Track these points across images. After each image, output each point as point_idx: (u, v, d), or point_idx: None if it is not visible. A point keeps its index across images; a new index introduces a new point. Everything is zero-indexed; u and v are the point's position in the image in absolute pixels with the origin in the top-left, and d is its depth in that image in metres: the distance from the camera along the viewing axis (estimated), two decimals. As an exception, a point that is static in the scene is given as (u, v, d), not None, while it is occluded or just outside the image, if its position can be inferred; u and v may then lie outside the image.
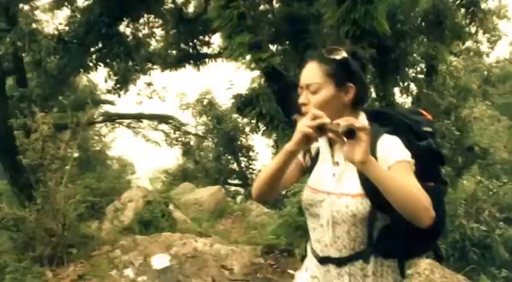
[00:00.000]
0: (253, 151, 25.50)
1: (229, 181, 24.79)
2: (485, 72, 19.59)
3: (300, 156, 2.85)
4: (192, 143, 27.44)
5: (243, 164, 25.61)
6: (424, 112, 2.91)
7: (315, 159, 2.81)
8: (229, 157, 25.71)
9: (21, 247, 8.06)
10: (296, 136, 2.44)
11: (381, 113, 2.84)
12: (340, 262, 2.71)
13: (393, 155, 2.51)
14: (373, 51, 11.43)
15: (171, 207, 10.13)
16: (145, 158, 28.89)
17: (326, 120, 2.39)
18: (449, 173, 15.77)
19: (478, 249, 11.70)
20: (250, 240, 9.29)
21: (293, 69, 13.36)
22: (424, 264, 7.54)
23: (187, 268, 7.87)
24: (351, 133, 2.24)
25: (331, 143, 2.74)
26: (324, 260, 2.77)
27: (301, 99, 2.70)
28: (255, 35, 11.86)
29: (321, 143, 2.80)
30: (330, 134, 2.46)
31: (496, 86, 23.26)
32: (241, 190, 22.11)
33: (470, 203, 13.11)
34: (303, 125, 2.42)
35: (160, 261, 7.96)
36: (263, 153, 25.11)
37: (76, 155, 9.60)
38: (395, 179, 2.32)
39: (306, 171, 2.89)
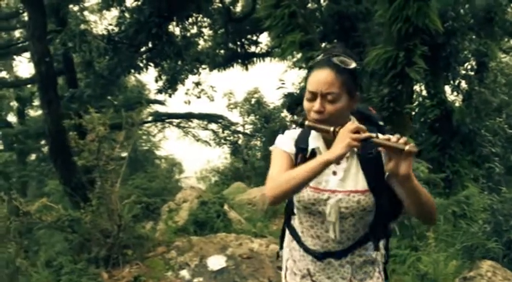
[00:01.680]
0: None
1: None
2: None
3: (293, 156, 2.87)
4: (240, 142, 27.38)
5: (290, 162, 25.45)
6: (372, 109, 3.09)
7: (308, 160, 2.70)
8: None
9: (77, 248, 8.10)
10: (342, 150, 2.42)
11: (361, 113, 2.96)
12: (342, 254, 2.90)
13: None
14: (426, 48, 11.28)
15: (225, 207, 10.07)
16: (193, 157, 28.92)
17: (372, 134, 2.44)
18: (500, 171, 15.59)
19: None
20: (306, 239, 9.19)
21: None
22: (486, 266, 7.40)
23: (243, 269, 7.81)
24: (418, 154, 2.40)
25: (327, 143, 2.76)
26: (325, 255, 2.92)
27: (316, 107, 2.66)
28: (305, 34, 11.76)
29: (317, 144, 2.82)
30: (381, 148, 2.51)
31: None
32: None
33: (526, 202, 12.88)
34: (350, 139, 2.41)
35: (216, 262, 7.92)
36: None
37: (125, 154, 9.56)
38: (423, 191, 2.54)
39: None
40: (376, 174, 2.76)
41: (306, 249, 2.97)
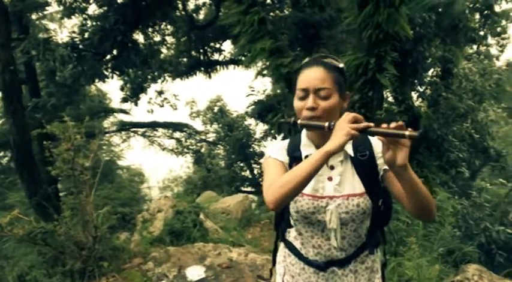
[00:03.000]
0: (265, 158, 25.25)
1: (242, 189, 24.60)
2: (496, 76, 19.44)
3: (287, 166, 2.84)
4: (203, 150, 27.28)
5: (255, 171, 25.43)
6: None
7: None
8: (242, 164, 25.53)
9: (51, 262, 7.90)
10: (342, 139, 2.39)
11: None
12: (345, 262, 2.90)
13: None
14: (396, 55, 11.32)
15: (201, 216, 9.95)
16: (155, 167, 28.78)
17: (370, 123, 2.42)
18: (465, 175, 15.79)
19: (504, 252, 11.70)
20: (283, 249, 9.12)
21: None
22: (472, 270, 7.40)
23: (223, 279, 7.70)
24: (421, 136, 2.34)
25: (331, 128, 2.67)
26: (328, 264, 2.90)
27: (310, 103, 2.68)
28: (275, 41, 11.71)
29: (310, 151, 2.82)
30: (378, 137, 2.45)
31: (506, 89, 23.24)
32: (255, 197, 21.94)
33: (494, 206, 13.08)
34: (349, 128, 2.39)
35: (195, 272, 7.78)
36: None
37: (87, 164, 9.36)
38: (421, 183, 2.50)
39: None
40: (371, 176, 2.80)
41: (308, 262, 2.94)
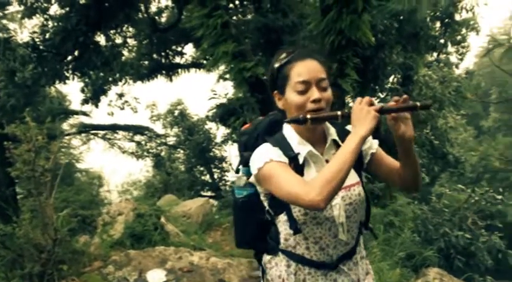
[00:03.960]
0: (226, 162, 25.27)
1: (202, 193, 24.53)
2: (456, 83, 19.71)
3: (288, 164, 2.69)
4: (163, 154, 27.16)
5: (215, 176, 25.40)
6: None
7: (301, 167, 2.69)
8: (202, 169, 25.49)
9: (9, 265, 7.75)
10: (373, 121, 2.44)
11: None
12: (350, 255, 2.86)
13: (371, 137, 2.85)
14: (358, 60, 11.41)
15: (162, 219, 9.88)
16: (114, 170, 28.53)
17: (381, 104, 2.53)
18: (425, 180, 15.97)
19: (463, 257, 11.81)
20: (245, 252, 9.07)
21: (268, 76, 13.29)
22: (433, 274, 7.47)
23: (184, 283, 7.65)
24: (429, 107, 2.62)
25: (314, 145, 2.75)
26: (337, 262, 2.83)
27: (316, 95, 2.63)
28: (238, 44, 11.71)
29: (307, 148, 2.75)
30: (393, 113, 2.55)
31: (465, 97, 23.55)
32: (214, 202, 21.90)
33: (453, 211, 13.22)
34: (373, 111, 2.46)
35: (156, 276, 7.72)
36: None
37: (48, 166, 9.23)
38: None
39: None
40: (359, 164, 2.80)
41: (318, 265, 2.83)
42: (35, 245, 7.59)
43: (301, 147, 2.73)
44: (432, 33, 17.33)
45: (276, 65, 2.76)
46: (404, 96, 2.47)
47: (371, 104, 2.49)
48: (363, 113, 2.44)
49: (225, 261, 8.29)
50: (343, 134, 2.75)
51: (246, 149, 2.92)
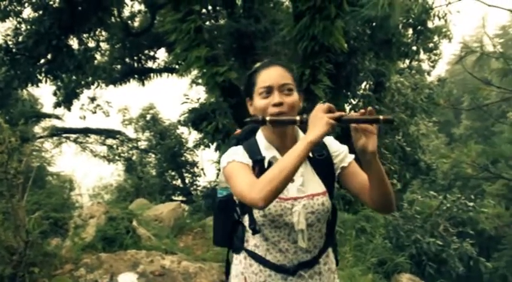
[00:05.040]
0: (197, 167, 25.20)
1: (174, 198, 24.45)
2: (427, 90, 19.84)
3: (251, 168, 2.77)
4: (134, 158, 27.07)
5: (187, 180, 25.33)
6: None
7: (266, 170, 2.61)
8: (173, 173, 25.42)
9: (-20, 266, 7.72)
10: (323, 128, 2.41)
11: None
12: (311, 264, 2.88)
13: (346, 152, 2.89)
14: (331, 66, 11.47)
15: (134, 223, 9.85)
16: (85, 174, 28.35)
17: (343, 112, 2.49)
18: (396, 187, 16.02)
19: (434, 264, 11.88)
20: (216, 257, 9.11)
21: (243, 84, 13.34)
22: (405, 279, 7.53)
23: (155, 286, 7.66)
24: (392, 121, 2.52)
25: (280, 151, 2.80)
26: (296, 268, 2.85)
27: (276, 99, 2.71)
28: (211, 49, 11.74)
29: (272, 153, 2.82)
30: (354, 124, 2.52)
31: (437, 104, 23.70)
32: (186, 207, 21.85)
33: (425, 218, 13.28)
34: (327, 118, 2.42)
35: (127, 279, 7.71)
36: (208, 170, 25.01)
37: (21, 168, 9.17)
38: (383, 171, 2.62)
39: None
40: (329, 176, 2.86)
41: (276, 267, 2.87)
42: (6, 247, 7.56)
43: (267, 152, 2.82)
44: (404, 40, 17.39)
45: (248, 73, 2.89)
46: (369, 108, 2.47)
47: (329, 111, 2.47)
48: (317, 119, 2.45)
49: (197, 265, 8.30)
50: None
51: None
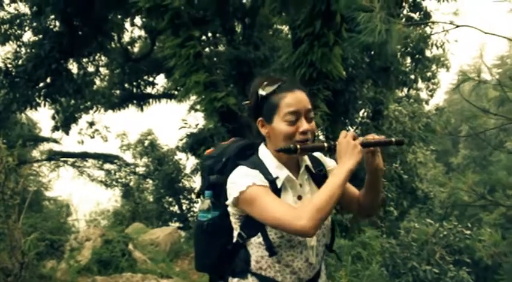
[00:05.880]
0: (194, 193, 25.10)
1: (170, 223, 24.37)
2: (425, 119, 19.85)
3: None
4: (132, 184, 27.03)
5: (184, 207, 25.27)
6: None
7: (279, 191, 2.71)
8: (170, 199, 25.37)
9: (-25, 287, 7.71)
10: (359, 155, 2.54)
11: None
12: (315, 279, 2.85)
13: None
14: (329, 93, 11.49)
15: (130, 246, 9.84)
16: (82, 199, 28.26)
17: (361, 137, 2.65)
18: (393, 215, 15.98)
19: (431, 292, 11.81)
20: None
21: (242, 111, 13.36)
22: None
23: (150, 310, 7.64)
24: (403, 143, 2.79)
25: (290, 169, 2.78)
26: None
27: (306, 126, 2.67)
28: (210, 74, 11.77)
29: (285, 172, 2.77)
30: (372, 147, 2.68)
31: (436, 133, 23.71)
32: (182, 233, 21.79)
33: (421, 245, 13.23)
34: (359, 145, 2.56)
35: (122, 302, 7.71)
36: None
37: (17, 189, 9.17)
38: None
39: None
40: None
41: None
42: (1, 268, 7.56)
43: (279, 172, 2.75)
44: (403, 68, 17.45)
45: (263, 93, 2.74)
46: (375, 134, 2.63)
47: (354, 138, 2.57)
48: (350, 147, 2.52)
49: (192, 289, 8.30)
50: (313, 160, 2.91)
51: (212, 173, 2.92)
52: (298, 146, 2.61)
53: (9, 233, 7.65)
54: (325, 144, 2.64)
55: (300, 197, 2.76)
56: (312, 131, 2.69)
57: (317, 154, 2.92)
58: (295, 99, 2.68)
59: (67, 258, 9.61)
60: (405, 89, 19.84)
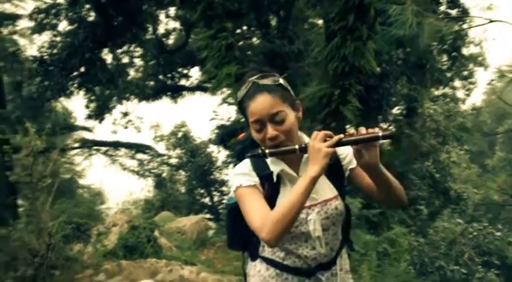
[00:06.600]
0: (226, 186, 25.20)
1: (201, 215, 24.49)
2: (461, 119, 19.67)
3: (260, 188, 2.70)
4: (164, 175, 27.18)
5: (215, 199, 25.39)
6: None
7: (276, 185, 2.71)
8: (202, 191, 25.50)
9: (3, 267, 7.82)
10: (322, 161, 2.40)
11: None
12: (328, 266, 2.83)
13: (352, 153, 2.66)
14: (361, 88, 11.43)
15: (156, 233, 9.91)
16: (116, 188, 28.44)
17: (341, 135, 2.43)
18: (424, 215, 15.84)
19: (458, 292, 11.72)
20: (236, 270, 9.09)
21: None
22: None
23: (173, 295, 7.69)
24: (394, 134, 2.52)
25: (288, 163, 2.73)
26: (315, 269, 2.81)
27: (270, 133, 2.58)
28: (241, 67, 11.77)
29: (280, 166, 2.72)
30: (353, 145, 2.47)
31: (471, 133, 23.44)
32: (212, 225, 21.83)
33: (450, 245, 13.12)
34: (325, 148, 2.40)
35: (145, 287, 7.76)
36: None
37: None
38: (390, 174, 2.58)
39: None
40: (339, 178, 2.81)
41: (296, 270, 2.83)
42: (29, 249, 7.67)
43: (274, 167, 2.73)
44: (439, 66, 17.26)
45: (238, 96, 2.74)
46: (363, 128, 2.42)
47: (325, 139, 2.43)
48: (314, 151, 2.43)
49: (215, 277, 8.32)
50: None
51: (239, 158, 2.92)
52: (267, 151, 2.58)
53: (37, 215, 7.75)
54: (297, 147, 2.54)
55: None
56: (284, 132, 2.60)
57: (352, 133, 2.62)
58: (256, 107, 2.60)
59: (94, 243, 9.72)
60: (442, 88, 19.64)
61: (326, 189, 2.74)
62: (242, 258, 3.18)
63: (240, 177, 2.71)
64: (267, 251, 2.89)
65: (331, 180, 2.76)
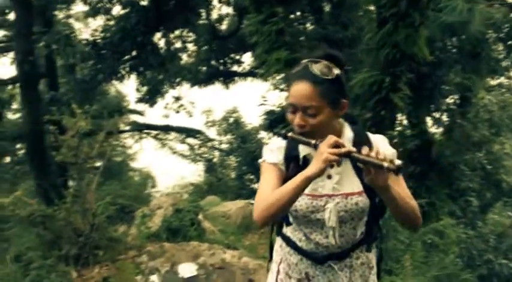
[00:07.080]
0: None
1: (250, 201, 24.53)
2: (516, 110, 19.25)
3: (283, 167, 2.73)
4: (215, 160, 27.31)
5: (265, 185, 25.39)
6: None
7: (301, 168, 2.61)
8: (252, 177, 25.51)
9: (48, 245, 7.96)
10: (320, 165, 2.37)
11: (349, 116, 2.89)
12: (342, 256, 2.83)
13: (392, 155, 2.66)
14: (413, 76, 11.29)
15: (200, 216, 9.97)
16: (166, 171, 28.66)
17: (352, 148, 2.40)
18: (475, 207, 15.59)
19: (504, 287, 11.52)
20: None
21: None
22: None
23: (214, 279, 7.74)
24: (399, 170, 2.33)
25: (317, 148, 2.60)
26: (326, 258, 2.84)
27: (297, 121, 2.57)
28: (292, 52, 11.70)
29: (307, 150, 2.70)
30: (359, 163, 2.47)
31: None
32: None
33: (499, 238, 12.89)
34: (327, 154, 2.35)
35: (187, 270, 7.82)
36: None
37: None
38: (401, 197, 2.53)
39: (286, 180, 2.65)
40: None
41: (307, 254, 2.87)
42: (74, 228, 7.79)
43: (303, 149, 2.73)
44: (494, 55, 16.89)
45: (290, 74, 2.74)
46: (378, 150, 2.37)
47: (336, 146, 2.39)
48: (318, 153, 2.41)
49: (257, 262, 8.34)
50: (361, 139, 2.73)
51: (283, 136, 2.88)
52: (288, 135, 2.62)
53: (82, 195, 7.86)
54: (312, 142, 2.52)
55: (329, 176, 2.70)
56: (313, 125, 2.57)
57: (376, 137, 2.80)
58: (294, 93, 2.58)
59: (138, 224, 9.83)
60: (497, 78, 19.26)
61: (352, 183, 2.72)
62: (270, 231, 3.19)
63: (267, 152, 2.80)
64: (288, 230, 2.92)
65: (360, 176, 2.65)
